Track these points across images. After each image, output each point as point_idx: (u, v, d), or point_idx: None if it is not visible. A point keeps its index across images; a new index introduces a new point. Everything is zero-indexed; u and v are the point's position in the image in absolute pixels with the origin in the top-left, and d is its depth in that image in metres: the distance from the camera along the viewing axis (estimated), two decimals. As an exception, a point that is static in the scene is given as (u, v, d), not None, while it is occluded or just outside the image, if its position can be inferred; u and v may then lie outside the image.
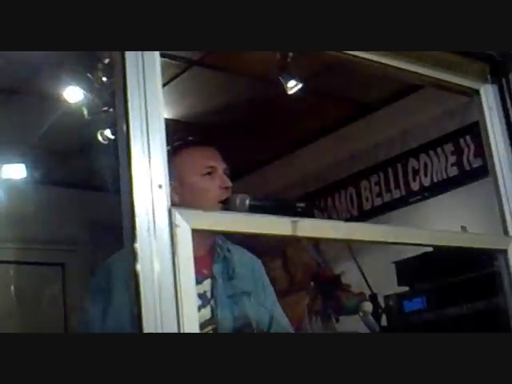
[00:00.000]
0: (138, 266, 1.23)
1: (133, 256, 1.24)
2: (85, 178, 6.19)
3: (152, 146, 1.33)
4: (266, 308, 2.44)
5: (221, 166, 2.37)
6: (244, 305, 2.36)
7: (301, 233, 1.53)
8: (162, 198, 1.31)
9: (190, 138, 2.44)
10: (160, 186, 1.31)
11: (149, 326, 1.21)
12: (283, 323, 2.42)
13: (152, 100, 1.37)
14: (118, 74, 1.36)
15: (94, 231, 6.49)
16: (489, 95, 2.16)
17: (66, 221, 6.37)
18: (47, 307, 6.14)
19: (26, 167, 5.76)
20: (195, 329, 1.24)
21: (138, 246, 1.24)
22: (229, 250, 2.42)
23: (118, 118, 1.34)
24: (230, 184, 2.33)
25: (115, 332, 2.16)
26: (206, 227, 1.40)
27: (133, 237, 1.24)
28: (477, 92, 2.16)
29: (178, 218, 1.31)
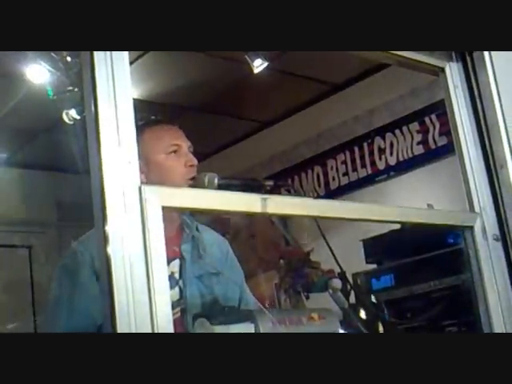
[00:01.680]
0: (109, 248, 1.22)
1: (103, 237, 1.23)
2: (50, 159, 6.13)
3: (120, 122, 1.32)
4: (234, 288, 2.44)
5: (185, 144, 2.36)
6: (213, 285, 2.36)
7: (270, 210, 1.53)
8: (132, 174, 1.30)
9: (153, 117, 2.42)
10: (129, 163, 1.30)
11: (121, 307, 1.20)
12: (251, 303, 2.42)
13: (120, 77, 1.36)
14: (85, 53, 1.34)
15: (60, 213, 6.44)
16: (454, 73, 2.17)
17: (32, 203, 6.31)
18: (14, 290, 6.08)
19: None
20: (167, 307, 1.24)
21: (108, 226, 1.23)
22: (197, 230, 2.41)
23: (86, 95, 1.33)
24: (195, 162, 2.32)
25: (82, 315, 2.17)
26: (176, 204, 1.40)
27: (104, 216, 1.23)
28: (442, 70, 2.17)
29: (148, 195, 1.30)
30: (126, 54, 1.37)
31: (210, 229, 2.51)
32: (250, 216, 5.80)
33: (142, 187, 1.30)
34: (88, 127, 1.30)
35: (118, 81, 1.35)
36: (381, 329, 2.41)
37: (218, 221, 2.57)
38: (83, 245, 2.27)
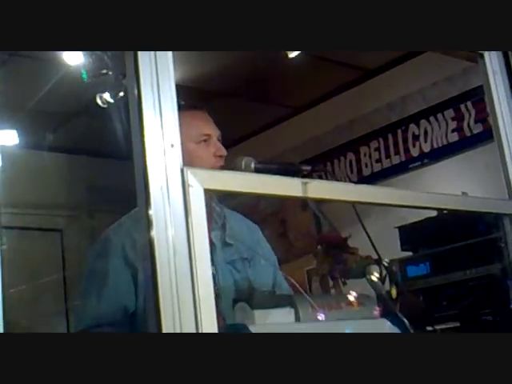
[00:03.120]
0: (153, 231, 1.22)
1: (147, 220, 1.23)
2: (83, 143, 6.17)
3: (163, 105, 1.32)
4: (268, 273, 2.44)
5: (215, 133, 2.34)
6: (246, 270, 2.36)
7: (311, 194, 1.52)
8: (175, 157, 1.30)
9: (182, 103, 2.38)
10: (172, 146, 1.30)
11: (164, 290, 1.20)
12: (285, 288, 2.42)
13: (162, 59, 1.36)
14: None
15: (92, 197, 6.47)
16: (493, 59, 2.15)
17: (64, 187, 6.35)
18: (46, 273, 6.13)
19: (21, 133, 5.71)
20: (210, 290, 1.24)
21: (152, 210, 1.23)
22: (225, 217, 2.41)
23: (129, 79, 1.33)
24: (224, 152, 2.31)
25: (113, 302, 2.21)
26: (218, 187, 1.39)
27: (147, 199, 1.23)
28: (481, 56, 2.15)
29: (190, 177, 1.30)
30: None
31: (238, 214, 2.51)
32: (280, 202, 5.80)
33: (185, 170, 1.30)
34: (131, 110, 1.31)
35: (161, 64, 1.34)
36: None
37: (247, 207, 2.56)
38: (114, 232, 2.30)
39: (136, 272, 2.16)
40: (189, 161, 2.18)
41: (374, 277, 1.96)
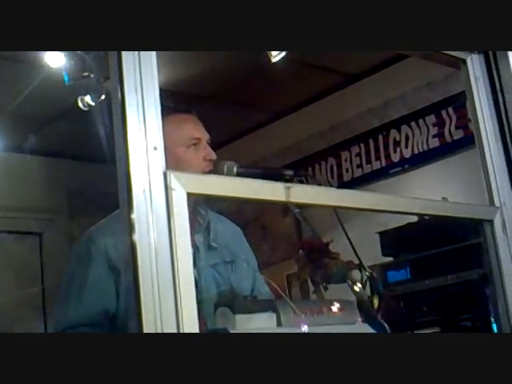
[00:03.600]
0: (135, 235, 1.21)
1: (129, 224, 1.22)
2: (63, 145, 6.12)
3: (147, 107, 1.31)
4: (249, 276, 2.44)
5: (205, 137, 2.34)
6: (228, 273, 2.36)
7: (294, 198, 1.52)
8: (158, 160, 1.30)
9: (172, 106, 2.38)
10: (155, 148, 1.30)
11: (146, 294, 1.19)
12: (264, 293, 2.42)
13: (146, 62, 1.35)
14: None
15: (72, 200, 6.43)
16: (475, 65, 2.16)
17: (43, 190, 6.31)
18: (24, 277, 6.08)
19: (0, 135, 5.67)
20: (192, 292, 1.24)
21: (134, 214, 1.23)
22: (209, 219, 2.40)
23: (113, 82, 1.32)
24: (214, 156, 2.30)
25: (93, 304, 2.19)
26: (201, 191, 1.39)
27: (129, 202, 1.22)
28: (464, 62, 2.16)
29: (173, 181, 1.30)
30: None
31: (222, 217, 2.51)
32: (261, 206, 5.80)
33: (168, 173, 1.30)
34: (114, 112, 1.30)
35: (144, 65, 1.34)
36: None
37: (228, 212, 2.55)
38: (97, 233, 2.27)
39: (119, 274, 2.15)
40: (178, 164, 2.20)
41: (355, 282, 1.97)
